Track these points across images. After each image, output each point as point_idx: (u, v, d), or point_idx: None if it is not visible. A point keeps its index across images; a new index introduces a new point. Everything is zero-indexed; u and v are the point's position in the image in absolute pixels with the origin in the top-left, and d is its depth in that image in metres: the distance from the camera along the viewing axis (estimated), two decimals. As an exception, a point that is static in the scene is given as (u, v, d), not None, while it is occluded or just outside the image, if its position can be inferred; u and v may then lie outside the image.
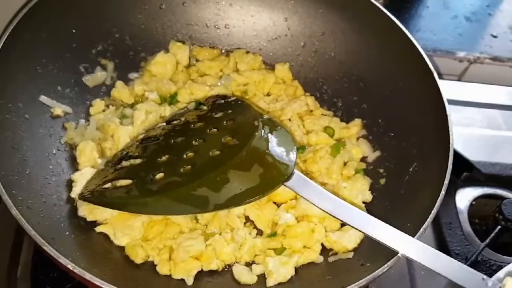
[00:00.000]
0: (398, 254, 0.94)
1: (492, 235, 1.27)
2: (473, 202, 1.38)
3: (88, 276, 0.81)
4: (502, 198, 1.36)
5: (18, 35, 1.07)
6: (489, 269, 1.23)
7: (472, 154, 1.40)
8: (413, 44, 1.22)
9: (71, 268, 0.81)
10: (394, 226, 1.08)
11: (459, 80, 1.71)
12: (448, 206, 1.35)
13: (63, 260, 0.82)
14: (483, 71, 1.69)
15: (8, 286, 1.07)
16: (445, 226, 1.31)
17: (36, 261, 1.11)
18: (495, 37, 1.74)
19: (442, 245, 1.29)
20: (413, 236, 0.95)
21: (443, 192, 1.01)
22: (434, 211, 0.98)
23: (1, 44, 1.03)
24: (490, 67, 1.68)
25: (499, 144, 1.52)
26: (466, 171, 1.39)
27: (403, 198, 1.14)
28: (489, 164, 1.41)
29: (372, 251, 1.08)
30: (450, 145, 1.07)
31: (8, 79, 1.05)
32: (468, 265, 1.18)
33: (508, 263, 1.11)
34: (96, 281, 0.81)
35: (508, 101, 1.63)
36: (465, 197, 1.39)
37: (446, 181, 1.03)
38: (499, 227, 1.29)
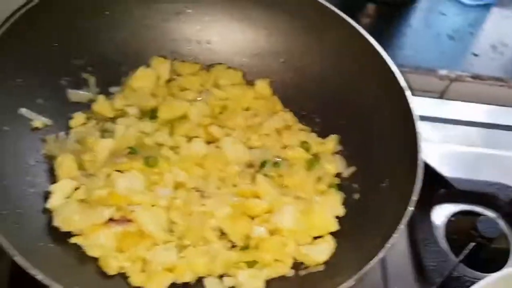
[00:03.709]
0: (366, 267, 0.96)
1: (467, 251, 1.28)
2: (451, 218, 1.39)
3: (56, 287, 0.83)
4: (478, 214, 1.38)
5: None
6: (463, 285, 1.24)
7: (449, 170, 1.42)
8: (388, 65, 1.24)
9: (39, 279, 0.83)
10: (365, 240, 1.11)
11: (440, 97, 1.74)
12: (424, 222, 1.36)
13: (32, 271, 0.84)
14: (464, 89, 1.71)
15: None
16: (421, 242, 1.32)
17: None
18: (476, 55, 1.76)
19: (417, 261, 1.30)
20: (379, 251, 0.97)
21: (409, 208, 1.03)
22: (400, 227, 1.00)
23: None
24: (471, 85, 1.70)
25: (476, 161, 1.55)
26: (443, 188, 1.41)
27: (375, 213, 1.16)
28: (466, 181, 1.43)
29: (342, 264, 1.10)
30: (419, 162, 1.10)
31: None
32: (442, 281, 1.23)
33: (480, 279, 1.12)
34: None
35: (486, 119, 1.66)
36: (441, 213, 1.40)
37: (414, 197, 1.05)
38: (473, 243, 1.30)
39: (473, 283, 1.16)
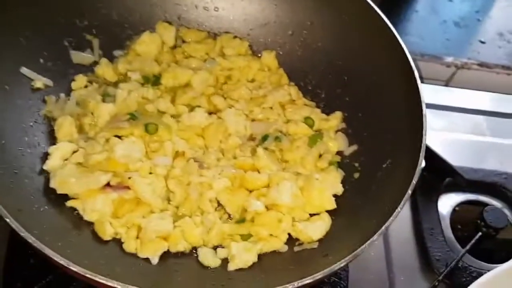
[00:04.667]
0: (359, 249, 0.95)
1: (473, 241, 1.27)
2: (456, 208, 1.37)
3: (47, 251, 0.83)
4: (484, 204, 1.36)
5: (3, 6, 1.08)
6: (469, 276, 1.23)
7: (455, 159, 1.40)
8: (399, 43, 1.21)
9: (30, 241, 0.83)
10: (361, 221, 1.10)
11: (446, 85, 1.71)
12: (430, 211, 1.34)
13: (24, 234, 0.84)
14: (470, 77, 1.69)
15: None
16: (426, 231, 1.31)
17: (10, 257, 1.11)
18: (483, 43, 1.73)
19: (423, 251, 1.29)
20: (374, 234, 0.96)
21: (409, 191, 1.02)
22: (397, 211, 0.99)
23: (-16, 13, 1.04)
24: (477, 73, 1.68)
25: (483, 150, 1.53)
26: (449, 177, 1.39)
27: (373, 194, 1.15)
28: (472, 170, 1.41)
29: (337, 243, 1.10)
30: (422, 145, 1.08)
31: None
32: (448, 271, 1.21)
33: (489, 270, 1.10)
34: (55, 256, 0.83)
35: (493, 108, 1.63)
36: (447, 202, 1.38)
37: (414, 181, 1.03)
38: (480, 233, 1.29)
39: (479, 273, 1.16)
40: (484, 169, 1.43)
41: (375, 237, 0.95)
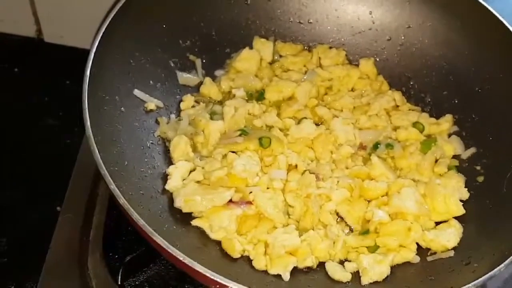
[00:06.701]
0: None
1: None
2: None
3: (198, 267, 0.81)
4: None
5: (113, 31, 1.09)
6: None
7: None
8: (508, 29, 1.16)
9: (180, 259, 0.81)
10: (497, 227, 1.04)
11: None
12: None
13: (171, 250, 0.82)
14: None
15: (80, 249, 1.07)
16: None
17: (109, 225, 1.12)
18: None
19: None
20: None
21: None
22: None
23: (98, 38, 1.06)
24: None
25: None
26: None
27: (506, 196, 1.09)
28: None
29: (476, 249, 1.03)
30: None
31: (105, 72, 1.07)
32: None
33: None
34: (207, 272, 0.80)
35: None
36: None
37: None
38: None
39: None
40: None
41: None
